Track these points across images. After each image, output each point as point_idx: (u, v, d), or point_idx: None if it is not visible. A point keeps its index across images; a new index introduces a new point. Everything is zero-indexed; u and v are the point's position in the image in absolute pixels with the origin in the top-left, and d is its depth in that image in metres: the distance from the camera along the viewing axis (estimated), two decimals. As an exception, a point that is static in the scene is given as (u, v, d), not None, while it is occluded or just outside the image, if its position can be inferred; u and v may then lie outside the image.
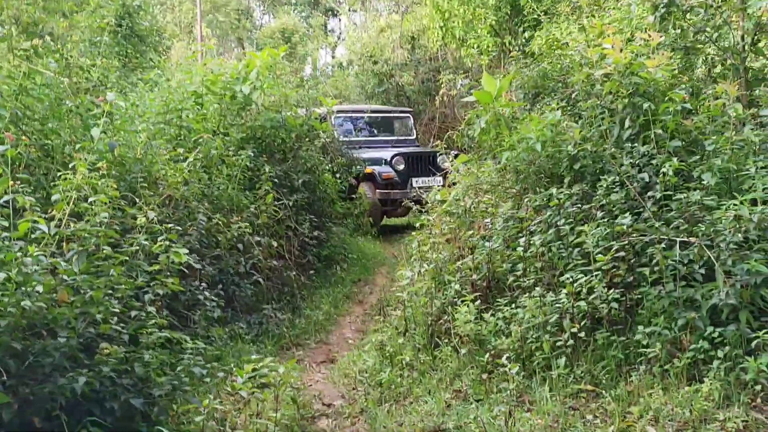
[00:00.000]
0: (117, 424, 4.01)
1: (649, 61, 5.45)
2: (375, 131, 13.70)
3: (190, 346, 4.68)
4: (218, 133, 8.00)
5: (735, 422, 3.50)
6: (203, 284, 5.78)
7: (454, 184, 6.67)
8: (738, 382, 3.77)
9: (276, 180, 7.92)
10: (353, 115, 13.49)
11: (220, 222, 6.42)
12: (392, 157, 11.88)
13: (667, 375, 3.99)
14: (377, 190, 11.60)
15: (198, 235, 6.04)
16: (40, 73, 5.76)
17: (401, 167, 11.82)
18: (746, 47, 6.74)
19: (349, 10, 29.44)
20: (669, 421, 3.61)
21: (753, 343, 3.79)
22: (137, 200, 5.60)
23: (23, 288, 3.81)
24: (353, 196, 11.05)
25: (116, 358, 4.08)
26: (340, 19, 33.77)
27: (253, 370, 3.94)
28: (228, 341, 5.72)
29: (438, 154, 10.96)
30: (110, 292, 4.27)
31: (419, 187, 10.47)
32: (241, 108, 8.88)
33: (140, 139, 6.65)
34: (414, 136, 13.98)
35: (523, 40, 14.61)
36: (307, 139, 9.05)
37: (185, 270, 5.43)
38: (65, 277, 4.11)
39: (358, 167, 11.13)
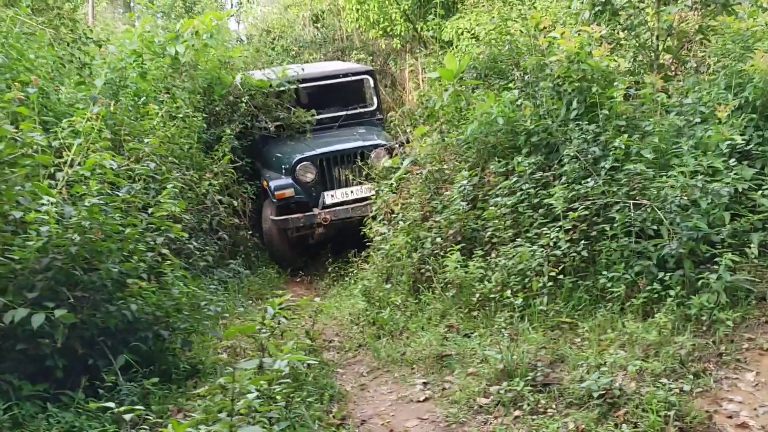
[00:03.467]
0: (149, 353, 4.33)
1: (596, 51, 6.28)
2: (321, 104, 9.52)
3: (185, 290, 5.02)
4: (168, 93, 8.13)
5: (686, 345, 4.35)
6: (187, 235, 6.04)
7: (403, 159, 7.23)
8: (684, 316, 4.63)
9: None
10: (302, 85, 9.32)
11: (193, 179, 6.68)
12: (295, 164, 8.10)
13: (626, 312, 4.80)
14: (270, 217, 8.03)
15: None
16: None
17: (309, 178, 8.09)
18: (659, 46, 7.84)
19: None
20: (636, 344, 4.41)
21: (698, 284, 4.67)
22: (124, 152, 5.79)
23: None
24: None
25: (148, 292, 4.38)
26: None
27: (280, 304, 4.34)
28: (217, 289, 6.04)
29: (378, 147, 8.09)
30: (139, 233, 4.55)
31: (331, 205, 7.97)
32: (179, 69, 8.98)
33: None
34: (375, 106, 9.63)
35: (435, 27, 15.43)
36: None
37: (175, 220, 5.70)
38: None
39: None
